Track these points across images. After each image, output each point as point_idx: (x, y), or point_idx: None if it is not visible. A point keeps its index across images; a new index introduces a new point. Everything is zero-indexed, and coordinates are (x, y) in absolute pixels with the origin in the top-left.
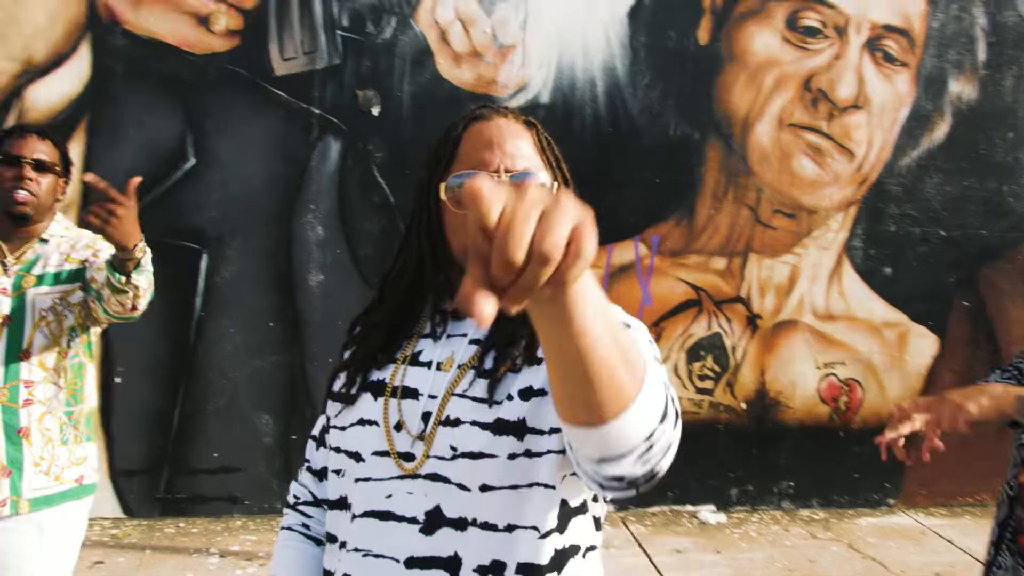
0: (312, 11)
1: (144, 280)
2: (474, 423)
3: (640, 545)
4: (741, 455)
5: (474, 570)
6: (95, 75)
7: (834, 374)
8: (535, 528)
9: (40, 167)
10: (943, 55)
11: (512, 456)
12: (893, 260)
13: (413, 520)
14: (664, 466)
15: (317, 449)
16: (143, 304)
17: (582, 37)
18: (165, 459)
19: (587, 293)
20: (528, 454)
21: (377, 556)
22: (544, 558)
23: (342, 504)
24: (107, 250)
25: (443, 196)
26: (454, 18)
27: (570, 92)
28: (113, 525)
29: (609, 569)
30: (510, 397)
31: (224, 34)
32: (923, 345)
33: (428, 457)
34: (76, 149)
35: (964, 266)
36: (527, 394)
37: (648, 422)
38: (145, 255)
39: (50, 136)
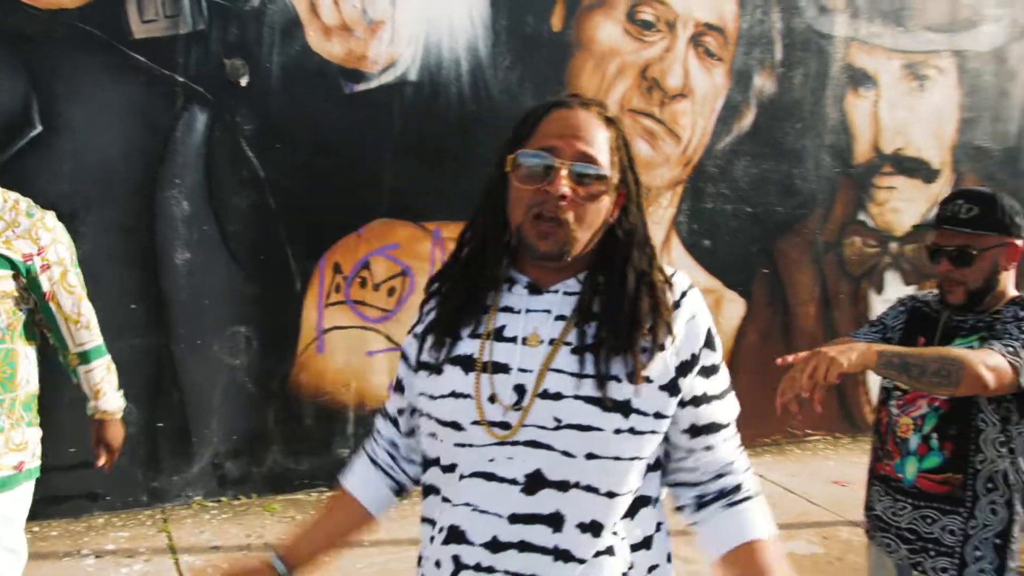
0: None
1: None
2: (577, 397)
3: None
4: None
5: (576, 526)
6: None
7: None
8: (628, 491)
9: None
10: (750, 53)
11: (618, 431)
12: (711, 234)
13: (514, 481)
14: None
15: (391, 397)
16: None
17: (448, 17)
18: None
19: None
20: (632, 431)
21: (483, 512)
22: (624, 513)
23: (445, 466)
24: (53, 246)
25: (508, 168)
26: None
27: (436, 71)
28: None
29: None
30: (617, 379)
31: None
32: (734, 308)
33: (524, 426)
34: None
35: (764, 239)
36: (633, 377)
37: None
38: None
39: None
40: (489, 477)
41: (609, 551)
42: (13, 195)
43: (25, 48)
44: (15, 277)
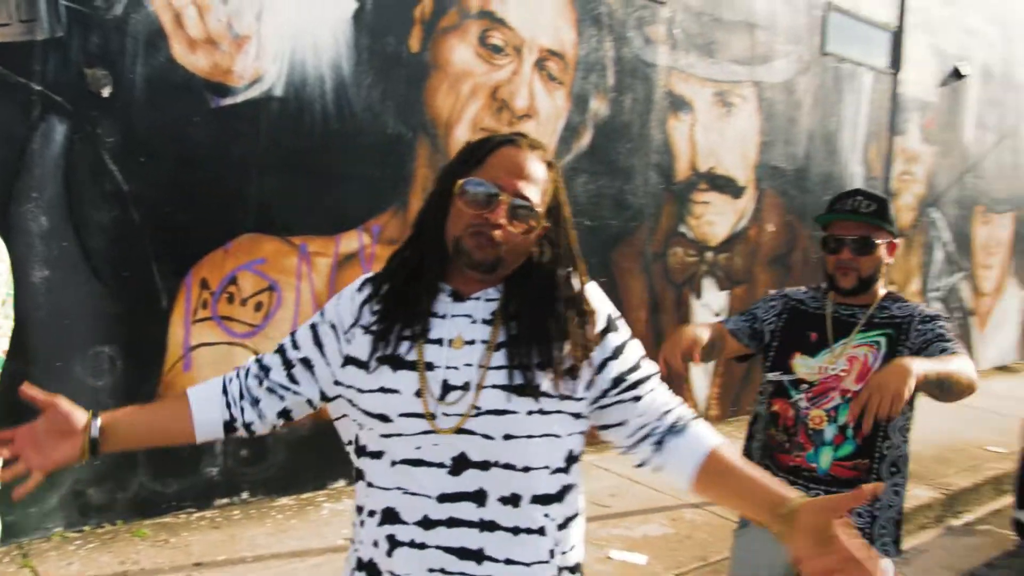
0: None
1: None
2: (494, 386)
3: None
4: None
5: (497, 500)
6: None
7: None
8: (546, 467)
9: None
10: (587, 78)
11: (529, 413)
12: None
13: (441, 465)
14: None
15: (276, 356)
16: (4, 345)
17: (313, 35)
18: None
19: None
20: (542, 412)
21: (413, 494)
22: (552, 490)
23: (372, 453)
24: None
25: (455, 191)
26: (188, 1)
27: (301, 87)
28: None
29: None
30: (529, 368)
31: None
32: None
33: (448, 416)
34: None
35: (602, 250)
36: (544, 366)
37: None
38: None
39: None
40: (417, 463)
41: (540, 531)
42: None
43: None
44: None
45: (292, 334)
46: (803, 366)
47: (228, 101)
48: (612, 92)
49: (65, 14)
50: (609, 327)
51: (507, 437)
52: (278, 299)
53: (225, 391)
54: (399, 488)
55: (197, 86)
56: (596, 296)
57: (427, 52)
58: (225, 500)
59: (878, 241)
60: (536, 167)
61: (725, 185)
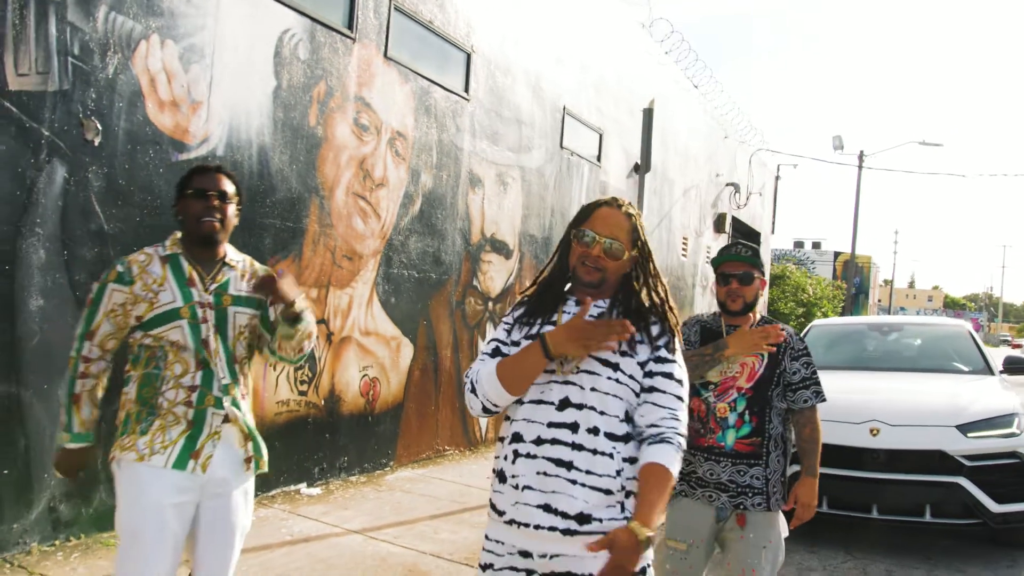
0: (48, 32)
1: (307, 328)
2: (592, 358)
3: (298, 515)
4: (320, 440)
5: (585, 430)
6: None
7: (367, 375)
8: (616, 416)
9: (223, 198)
10: (419, 156)
11: (608, 377)
12: (396, 293)
13: (552, 403)
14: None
15: (496, 345)
16: (308, 348)
17: (245, 106)
18: None
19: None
20: (615, 380)
21: (532, 422)
22: (619, 432)
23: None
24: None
25: (572, 238)
26: (160, 68)
27: (236, 149)
28: None
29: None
30: (614, 352)
31: None
32: (407, 351)
33: (563, 372)
34: None
35: (423, 298)
36: (623, 353)
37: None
38: (305, 309)
39: (226, 171)
40: (538, 402)
41: (611, 456)
42: (245, 256)
43: None
44: (260, 320)
45: (496, 335)
46: (715, 372)
47: (184, 156)
48: (435, 168)
49: (71, 69)
50: (664, 341)
51: (593, 389)
52: None
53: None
54: (524, 419)
55: (164, 141)
56: (663, 316)
57: (320, 126)
58: None
59: (756, 275)
60: (620, 218)
61: (501, 248)
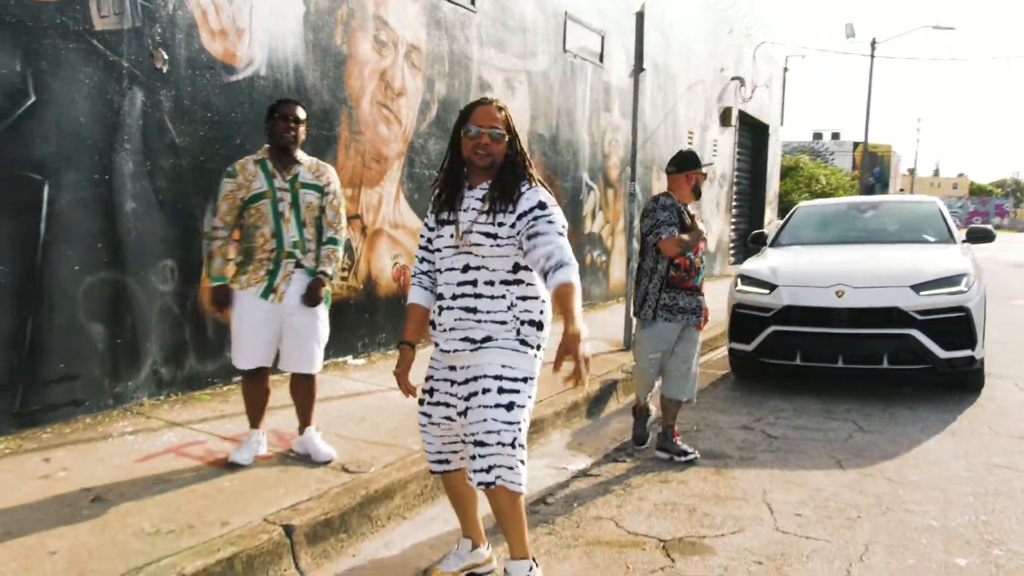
0: None
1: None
2: (480, 225)
3: (349, 379)
4: (361, 319)
5: (483, 283)
6: None
7: (397, 262)
8: (504, 268)
9: (297, 121)
10: (433, 67)
11: (491, 246)
12: (418, 190)
13: (457, 269)
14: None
15: (425, 238)
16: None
17: (281, 31)
18: (18, 376)
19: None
20: (498, 238)
21: (447, 283)
22: (510, 278)
23: (440, 269)
24: (335, 183)
25: (462, 135)
26: (210, 2)
27: (276, 68)
28: None
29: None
30: (500, 224)
31: None
32: None
33: (461, 242)
34: None
35: None
36: (500, 225)
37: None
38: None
39: (300, 103)
40: (450, 269)
41: (503, 297)
42: (310, 158)
43: (20, 32)
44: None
45: (423, 231)
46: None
47: (234, 77)
48: (447, 77)
49: (140, 9)
50: (534, 201)
51: (482, 256)
52: None
53: (422, 285)
54: (445, 283)
55: (216, 66)
56: (533, 191)
57: (344, 45)
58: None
59: (702, 174)
60: (495, 112)
61: None
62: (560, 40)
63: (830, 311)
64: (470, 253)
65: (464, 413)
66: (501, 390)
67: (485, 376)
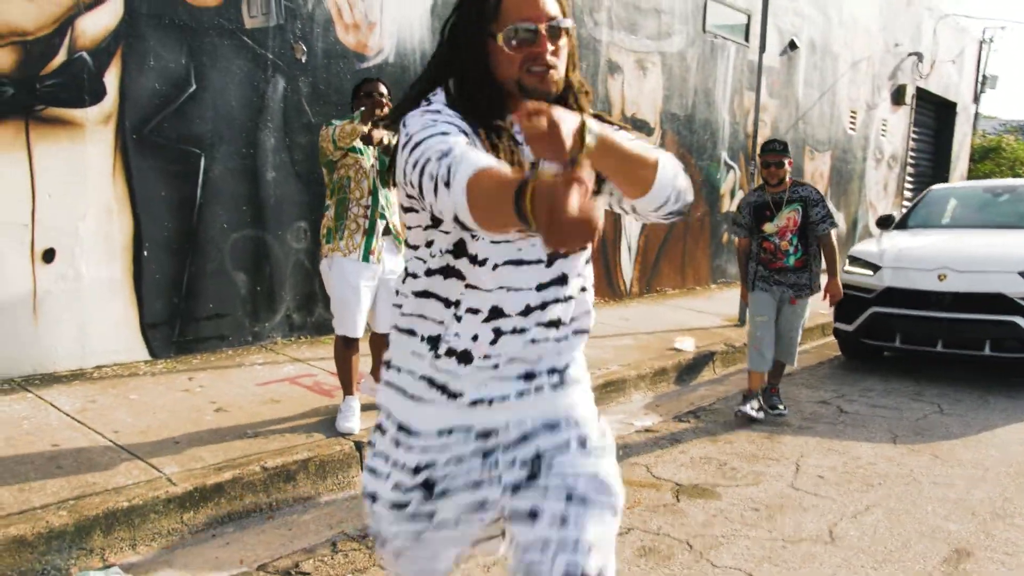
0: None
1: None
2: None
3: None
4: None
5: (576, 275)
6: (126, 14)
7: None
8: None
9: (382, 96)
10: None
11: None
12: None
13: (539, 261)
14: (689, 198)
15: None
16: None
17: (409, 21)
18: (178, 313)
19: (603, 144)
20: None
21: (516, 289)
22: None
23: (478, 259)
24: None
25: (500, 41)
26: (345, 0)
27: (403, 56)
28: (148, 365)
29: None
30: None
31: None
32: None
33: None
34: (113, 72)
35: None
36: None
37: (668, 179)
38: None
39: (383, 81)
40: (519, 263)
41: (583, 289)
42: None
43: (185, 32)
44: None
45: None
46: (771, 226)
47: (364, 65)
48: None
49: (284, 8)
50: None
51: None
52: None
53: None
54: (502, 287)
55: (349, 55)
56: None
57: None
58: None
59: (785, 160)
60: None
61: (643, 126)
62: (699, 20)
63: (930, 294)
64: None
65: (534, 513)
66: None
67: (581, 434)
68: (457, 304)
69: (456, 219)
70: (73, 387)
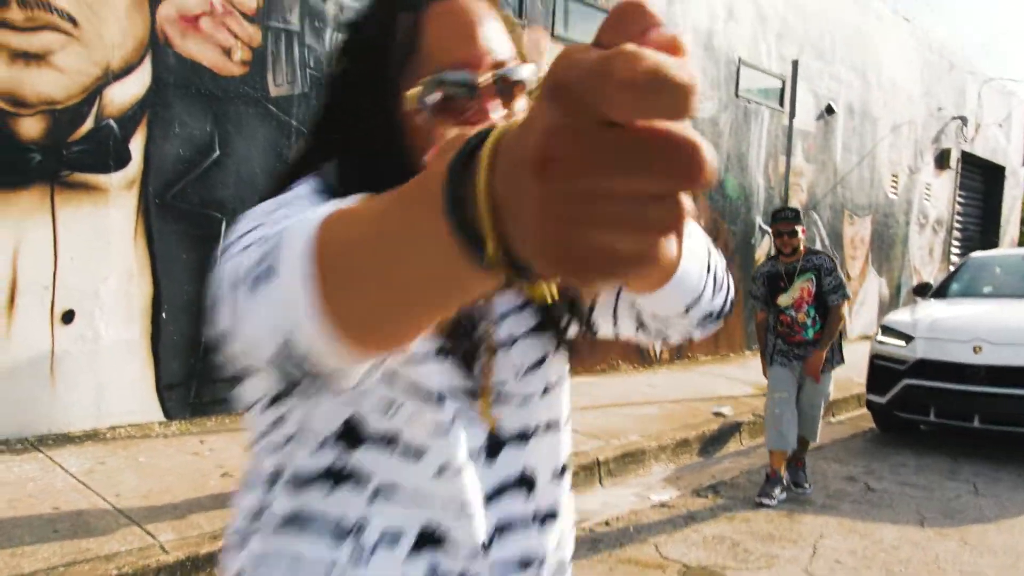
0: (293, 53)
1: None
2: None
3: None
4: None
5: (550, 473)
6: (154, 83)
7: None
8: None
9: None
10: None
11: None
12: None
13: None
14: (730, 287)
15: None
16: None
17: None
18: (194, 374)
19: None
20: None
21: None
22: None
23: (388, 443)
24: None
25: (414, 104)
26: None
27: None
28: (162, 427)
29: None
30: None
31: (239, 63)
32: None
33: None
34: (139, 139)
35: None
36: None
37: (700, 260)
38: None
39: None
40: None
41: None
42: None
43: (212, 100)
44: None
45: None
46: (785, 299)
47: None
48: None
49: (308, 77)
50: None
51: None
52: None
53: None
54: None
55: None
56: None
57: None
58: None
59: (798, 228)
60: (484, 10)
61: None
62: (732, 86)
63: (965, 367)
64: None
65: None
66: None
67: None
68: (358, 531)
69: (287, 355)
70: (85, 448)
